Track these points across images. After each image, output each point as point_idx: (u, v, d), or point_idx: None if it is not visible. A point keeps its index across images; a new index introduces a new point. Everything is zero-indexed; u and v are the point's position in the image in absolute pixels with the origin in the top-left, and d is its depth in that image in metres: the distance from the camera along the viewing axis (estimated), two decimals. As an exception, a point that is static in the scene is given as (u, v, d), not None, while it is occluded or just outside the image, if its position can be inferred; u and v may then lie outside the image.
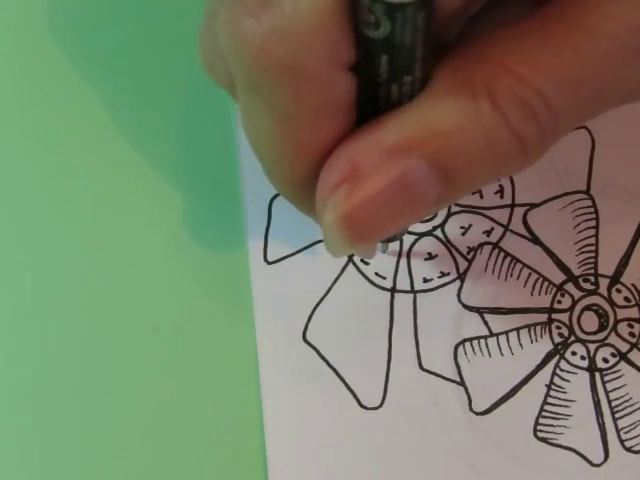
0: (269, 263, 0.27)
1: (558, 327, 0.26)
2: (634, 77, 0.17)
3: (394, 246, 0.27)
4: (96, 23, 0.30)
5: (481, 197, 0.27)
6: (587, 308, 0.26)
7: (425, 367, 0.26)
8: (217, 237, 0.28)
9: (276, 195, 0.27)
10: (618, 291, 0.27)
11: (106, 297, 0.27)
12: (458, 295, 0.26)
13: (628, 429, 0.25)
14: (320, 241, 0.27)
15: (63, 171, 0.28)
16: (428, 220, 0.27)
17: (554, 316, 0.26)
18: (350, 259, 0.27)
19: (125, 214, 0.28)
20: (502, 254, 0.27)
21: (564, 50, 0.16)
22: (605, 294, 0.27)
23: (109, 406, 0.25)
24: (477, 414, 0.25)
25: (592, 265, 0.27)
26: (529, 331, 0.26)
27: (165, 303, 0.26)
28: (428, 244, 0.27)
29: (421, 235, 0.27)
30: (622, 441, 0.25)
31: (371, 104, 0.17)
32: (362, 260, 0.27)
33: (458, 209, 0.27)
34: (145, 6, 0.30)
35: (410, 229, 0.27)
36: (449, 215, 0.27)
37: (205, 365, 0.26)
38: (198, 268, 0.27)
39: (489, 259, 0.27)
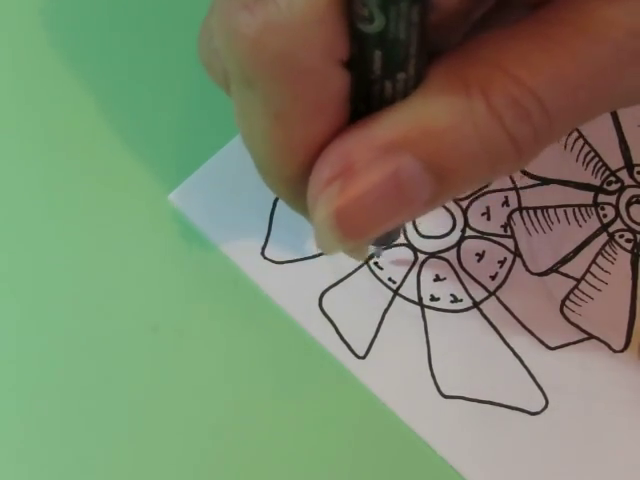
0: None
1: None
2: (631, 80, 0.17)
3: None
4: (93, 22, 0.30)
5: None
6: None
7: None
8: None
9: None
10: None
11: (106, 298, 0.26)
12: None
13: None
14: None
15: (63, 172, 0.28)
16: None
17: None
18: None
19: (125, 214, 0.28)
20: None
21: (560, 53, 0.16)
22: None
23: (109, 406, 0.25)
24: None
25: None
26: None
27: (165, 304, 0.26)
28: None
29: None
30: None
31: (365, 101, 0.17)
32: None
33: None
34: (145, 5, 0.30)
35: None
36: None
37: (205, 366, 0.26)
38: (198, 268, 0.27)
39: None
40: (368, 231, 0.18)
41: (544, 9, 0.17)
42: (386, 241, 0.25)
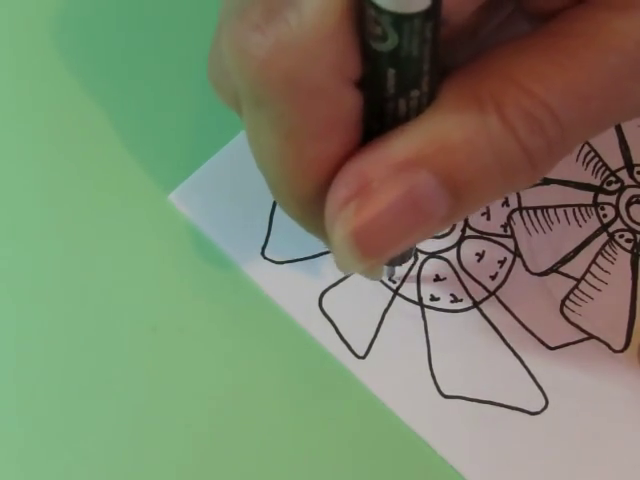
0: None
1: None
2: None
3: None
4: (93, 21, 0.30)
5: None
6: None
7: None
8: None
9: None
10: None
11: (106, 297, 0.26)
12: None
13: None
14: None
15: (63, 172, 0.28)
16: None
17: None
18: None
19: (125, 214, 0.28)
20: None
21: (572, 64, 0.16)
22: None
23: (109, 406, 0.25)
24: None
25: None
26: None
27: (165, 303, 0.26)
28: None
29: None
30: None
31: (378, 119, 0.17)
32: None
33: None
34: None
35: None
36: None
37: (205, 366, 0.26)
38: (198, 268, 0.27)
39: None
40: (387, 249, 0.18)
41: (555, 21, 0.17)
42: (399, 261, 0.25)
